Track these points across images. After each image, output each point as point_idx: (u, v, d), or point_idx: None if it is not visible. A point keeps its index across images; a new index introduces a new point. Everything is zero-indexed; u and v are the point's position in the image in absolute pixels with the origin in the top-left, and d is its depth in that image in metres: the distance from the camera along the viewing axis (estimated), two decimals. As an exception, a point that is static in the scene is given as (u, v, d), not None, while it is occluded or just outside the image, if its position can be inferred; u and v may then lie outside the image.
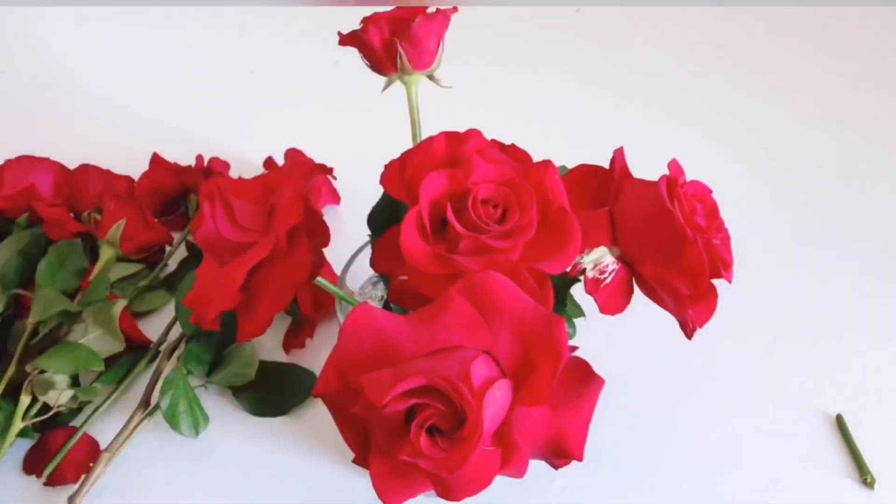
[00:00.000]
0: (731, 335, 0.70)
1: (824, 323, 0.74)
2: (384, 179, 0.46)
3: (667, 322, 0.49)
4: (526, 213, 0.43)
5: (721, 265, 0.46)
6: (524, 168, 0.45)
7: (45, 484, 0.62)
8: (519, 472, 0.40)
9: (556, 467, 0.42)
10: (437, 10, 0.52)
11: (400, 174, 0.45)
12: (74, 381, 0.66)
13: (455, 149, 0.45)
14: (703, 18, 1.02)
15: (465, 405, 0.37)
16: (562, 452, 0.41)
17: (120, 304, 0.66)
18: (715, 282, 0.47)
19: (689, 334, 0.48)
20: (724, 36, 1.02)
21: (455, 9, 0.53)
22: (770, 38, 1.02)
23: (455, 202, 0.43)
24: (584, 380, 0.41)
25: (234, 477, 0.63)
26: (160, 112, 0.91)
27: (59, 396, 0.63)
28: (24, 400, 0.63)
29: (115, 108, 0.92)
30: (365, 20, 0.52)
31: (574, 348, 0.41)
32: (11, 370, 0.65)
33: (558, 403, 0.40)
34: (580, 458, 0.40)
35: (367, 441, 0.41)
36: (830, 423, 0.67)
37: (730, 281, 0.47)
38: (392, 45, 0.52)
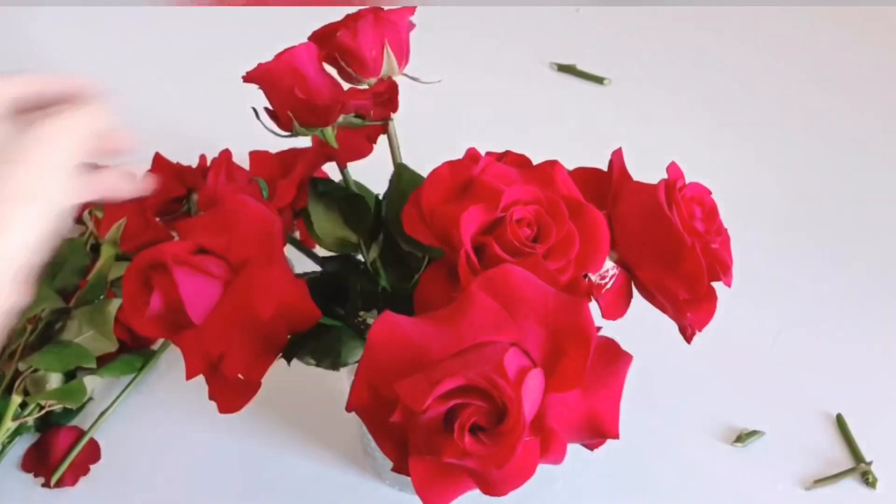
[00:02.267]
0: (731, 335, 0.70)
1: (824, 323, 0.74)
2: (407, 228, 0.45)
3: (667, 323, 0.49)
4: (562, 226, 0.43)
5: (720, 268, 0.46)
6: (534, 174, 0.45)
7: (43, 485, 0.62)
8: (558, 459, 0.40)
9: (591, 448, 0.42)
10: (378, 13, 0.51)
11: (418, 216, 0.44)
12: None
13: (461, 174, 0.45)
14: (702, 18, 1.02)
15: (505, 399, 0.37)
16: (597, 432, 0.41)
17: (114, 304, 0.66)
18: (715, 283, 0.47)
19: (688, 339, 0.48)
20: (724, 36, 1.02)
21: (412, 9, 0.53)
22: (771, 38, 1.02)
23: (489, 233, 0.43)
24: (612, 358, 0.41)
25: (234, 477, 0.64)
26: (161, 112, 0.91)
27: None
28: (15, 399, 0.62)
29: (116, 108, 0.92)
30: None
31: (598, 328, 0.41)
32: (4, 368, 0.65)
33: (589, 385, 0.40)
34: (616, 436, 0.40)
35: (405, 448, 0.40)
36: (830, 423, 0.67)
37: (729, 285, 0.47)
38: (332, 59, 0.51)
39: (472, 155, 0.46)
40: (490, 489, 0.39)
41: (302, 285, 0.44)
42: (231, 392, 0.45)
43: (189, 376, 0.44)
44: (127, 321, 0.46)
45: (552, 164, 0.46)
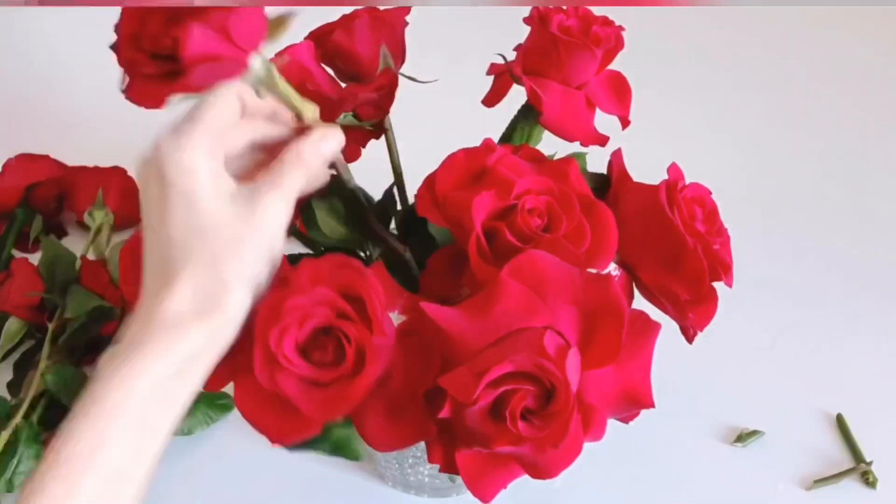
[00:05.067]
0: (732, 335, 0.70)
1: (824, 323, 0.74)
2: (420, 209, 0.45)
3: (667, 323, 0.49)
4: (572, 218, 0.43)
5: (721, 269, 0.46)
6: (548, 168, 0.45)
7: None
8: (598, 435, 0.40)
9: (626, 422, 0.42)
10: (374, 13, 0.51)
11: (431, 198, 0.45)
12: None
13: (476, 162, 0.45)
14: (702, 18, 1.02)
15: (553, 379, 0.38)
16: (633, 403, 0.41)
17: None
18: (715, 284, 0.47)
19: (689, 339, 0.48)
20: (724, 36, 1.02)
21: (407, 9, 0.53)
22: (770, 38, 1.02)
23: (500, 219, 0.43)
24: (641, 329, 0.41)
25: (233, 477, 0.64)
26: (162, 111, 0.91)
27: None
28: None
29: (115, 109, 0.92)
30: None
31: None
32: (39, 375, 0.66)
33: (621, 358, 0.40)
34: (652, 405, 0.41)
35: (450, 445, 0.41)
36: (830, 423, 0.67)
37: (730, 285, 0.47)
38: (327, 59, 0.52)
39: (487, 144, 0.46)
40: (540, 472, 0.40)
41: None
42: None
43: None
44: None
45: (567, 161, 0.46)
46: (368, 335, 0.39)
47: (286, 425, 0.40)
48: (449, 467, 0.41)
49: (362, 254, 0.53)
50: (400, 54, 0.53)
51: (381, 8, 0.52)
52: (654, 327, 0.41)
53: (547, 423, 0.38)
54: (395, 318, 0.42)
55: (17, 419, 0.63)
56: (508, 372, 0.38)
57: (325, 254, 0.54)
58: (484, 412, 0.39)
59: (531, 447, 0.38)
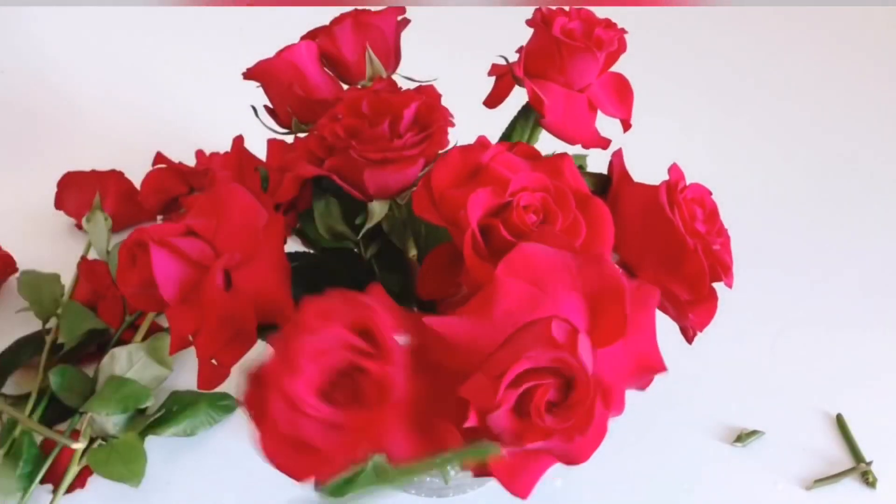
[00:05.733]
0: (732, 335, 0.70)
1: (824, 323, 0.74)
2: (417, 208, 0.45)
3: (667, 323, 0.49)
4: (568, 214, 0.43)
5: (721, 270, 0.46)
6: (543, 165, 0.45)
7: (53, 492, 0.62)
8: (619, 409, 0.40)
9: (643, 388, 0.42)
10: (358, 16, 0.51)
11: (428, 197, 0.45)
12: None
13: (471, 160, 0.45)
14: (703, 18, 1.02)
15: (571, 369, 0.38)
16: (646, 370, 0.41)
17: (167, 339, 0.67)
18: (715, 284, 0.47)
19: (689, 339, 0.48)
20: (724, 36, 1.02)
21: (399, 9, 0.52)
22: (770, 38, 1.02)
23: (496, 216, 0.43)
24: (641, 298, 0.41)
25: (234, 477, 0.64)
26: (162, 112, 0.91)
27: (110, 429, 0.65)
28: (82, 443, 0.63)
29: (115, 108, 0.92)
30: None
31: None
32: (38, 382, 0.66)
33: (628, 331, 0.40)
34: (664, 368, 0.41)
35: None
36: (830, 423, 0.67)
37: (730, 286, 0.47)
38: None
39: (482, 142, 0.46)
40: (571, 459, 0.40)
41: (280, 283, 0.45)
42: (208, 371, 0.45)
43: (171, 351, 0.45)
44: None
45: (561, 157, 0.46)
46: (385, 368, 0.38)
47: (312, 467, 0.41)
48: (481, 471, 0.41)
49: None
50: (392, 56, 0.53)
51: (374, 9, 0.52)
52: (652, 294, 0.42)
53: (572, 412, 0.38)
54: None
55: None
56: (526, 369, 0.38)
57: (325, 253, 0.54)
58: (509, 413, 0.38)
59: (560, 437, 0.38)
